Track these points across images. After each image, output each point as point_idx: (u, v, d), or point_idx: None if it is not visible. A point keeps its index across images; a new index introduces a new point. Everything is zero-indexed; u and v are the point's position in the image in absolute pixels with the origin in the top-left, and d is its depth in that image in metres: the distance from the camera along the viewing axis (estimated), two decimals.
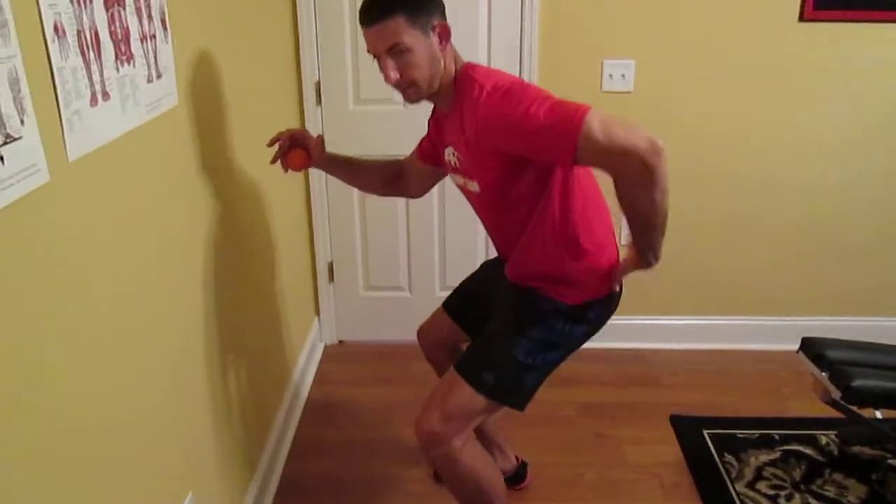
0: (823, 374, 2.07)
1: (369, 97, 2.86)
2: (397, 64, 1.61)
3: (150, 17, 1.43)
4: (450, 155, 1.80)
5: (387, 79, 1.62)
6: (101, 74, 1.24)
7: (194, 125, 1.69)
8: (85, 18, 1.18)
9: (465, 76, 1.66)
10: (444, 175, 2.01)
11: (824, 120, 2.83)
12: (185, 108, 1.62)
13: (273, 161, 1.94)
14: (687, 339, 3.15)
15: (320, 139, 1.96)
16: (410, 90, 1.66)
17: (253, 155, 2.12)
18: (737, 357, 3.12)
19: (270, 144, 1.94)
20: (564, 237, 1.71)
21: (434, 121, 1.92)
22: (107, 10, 1.26)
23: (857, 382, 1.97)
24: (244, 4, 2.15)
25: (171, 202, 1.58)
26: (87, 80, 1.19)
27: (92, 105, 1.21)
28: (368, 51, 1.64)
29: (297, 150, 1.94)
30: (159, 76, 1.48)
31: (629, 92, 2.77)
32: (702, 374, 3.00)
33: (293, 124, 2.82)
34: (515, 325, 1.77)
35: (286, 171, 1.96)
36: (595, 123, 1.38)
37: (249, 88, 2.15)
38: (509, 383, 1.73)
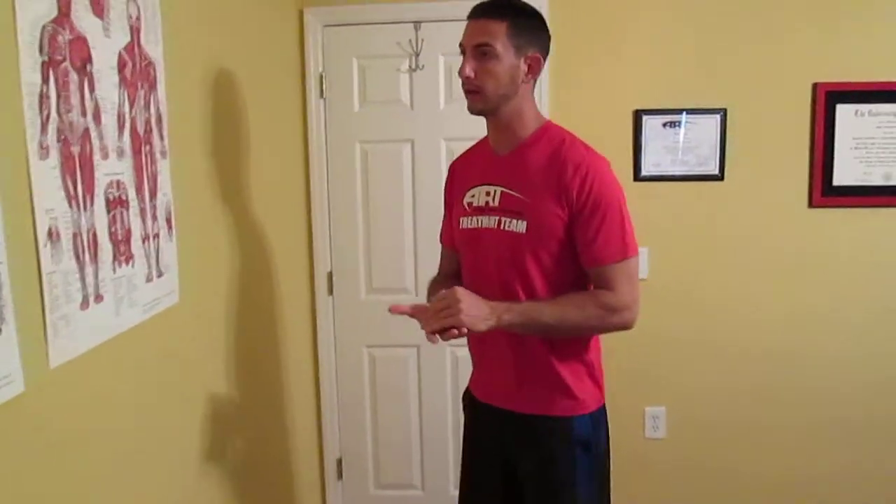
0: None
1: (382, 286, 2.84)
2: (478, 64, 1.57)
3: (154, 217, 1.43)
4: (480, 195, 1.68)
5: (461, 72, 1.59)
6: (96, 277, 1.21)
7: (195, 324, 1.64)
8: (83, 221, 1.17)
9: (556, 129, 1.66)
10: None
11: (839, 302, 2.76)
12: (187, 306, 1.58)
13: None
14: None
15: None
16: (476, 96, 1.60)
17: (259, 354, 2.06)
18: None
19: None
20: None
21: (464, 165, 1.81)
22: (108, 211, 1.25)
23: None
24: (257, 197, 2.18)
25: (165, 404, 1.49)
26: (79, 283, 1.15)
27: (83, 308, 1.16)
28: (460, 44, 1.61)
29: None
30: (160, 275, 1.45)
31: (643, 279, 2.73)
32: None
33: (304, 316, 2.78)
34: (559, 490, 1.63)
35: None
36: (633, 262, 1.59)
37: (259, 281, 2.13)
38: None
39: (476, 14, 1.60)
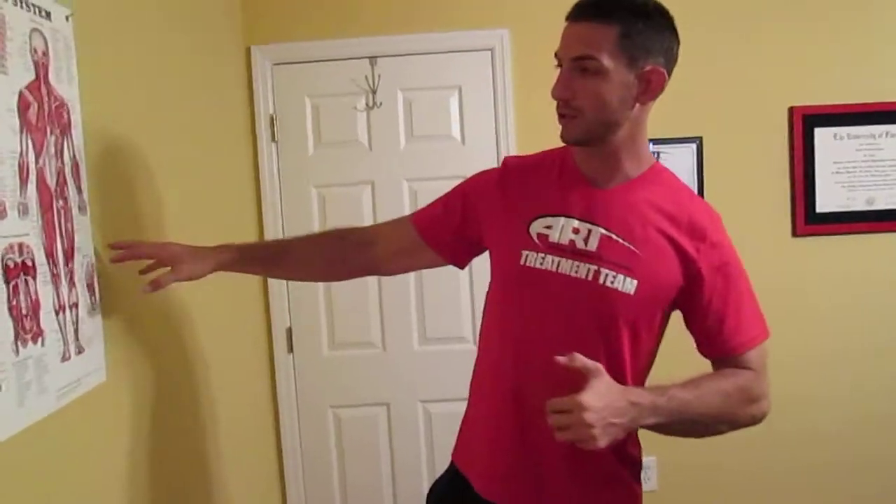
0: None
1: (346, 341, 2.62)
2: (575, 82, 1.22)
3: (71, 283, 1.21)
4: (562, 230, 1.28)
5: (553, 91, 1.25)
6: None
7: (129, 403, 1.41)
8: None
9: (669, 172, 1.34)
10: (426, 265, 1.52)
11: (829, 337, 2.62)
12: (117, 384, 1.35)
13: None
14: None
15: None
16: (573, 122, 1.24)
17: (212, 424, 1.83)
18: None
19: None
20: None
21: (532, 177, 1.38)
22: (7, 282, 1.03)
23: None
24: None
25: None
26: None
27: None
28: (555, 54, 1.26)
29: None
30: (80, 351, 1.23)
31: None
32: None
33: (263, 379, 2.55)
34: None
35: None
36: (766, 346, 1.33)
37: (209, 345, 1.90)
38: None
39: (576, 16, 1.23)
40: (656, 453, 2.62)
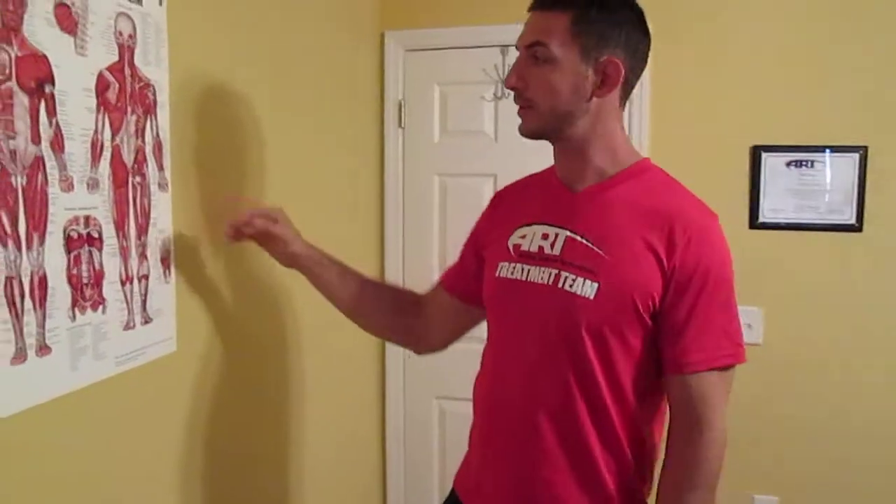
0: None
1: None
2: (527, 71, 1.19)
3: (143, 256, 1.27)
4: (533, 237, 1.24)
5: (506, 80, 1.23)
6: (43, 326, 1.05)
7: (199, 375, 1.47)
8: (25, 263, 1.02)
9: (656, 170, 1.25)
10: (472, 322, 1.47)
11: None
12: (185, 355, 1.41)
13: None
14: None
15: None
16: (527, 113, 1.21)
17: (311, 403, 1.87)
18: None
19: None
20: (641, 455, 1.22)
21: (516, 196, 1.39)
22: (68, 251, 1.10)
23: None
24: (319, 228, 2.01)
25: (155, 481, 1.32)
26: (12, 333, 1.00)
27: (15, 363, 1.01)
28: (516, 45, 1.24)
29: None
30: (146, 321, 1.29)
31: (756, 344, 2.33)
32: None
33: (371, 362, 2.58)
34: None
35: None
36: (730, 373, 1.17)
37: (308, 325, 1.94)
38: None
39: (533, 4, 1.22)
40: (780, 495, 2.36)
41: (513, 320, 1.25)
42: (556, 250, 1.20)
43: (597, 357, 1.15)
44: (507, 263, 1.26)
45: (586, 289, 1.15)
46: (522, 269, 1.23)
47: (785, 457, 2.35)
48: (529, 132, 1.23)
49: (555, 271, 1.19)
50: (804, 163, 2.28)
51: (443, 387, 2.59)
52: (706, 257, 1.14)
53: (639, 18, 1.21)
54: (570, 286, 1.16)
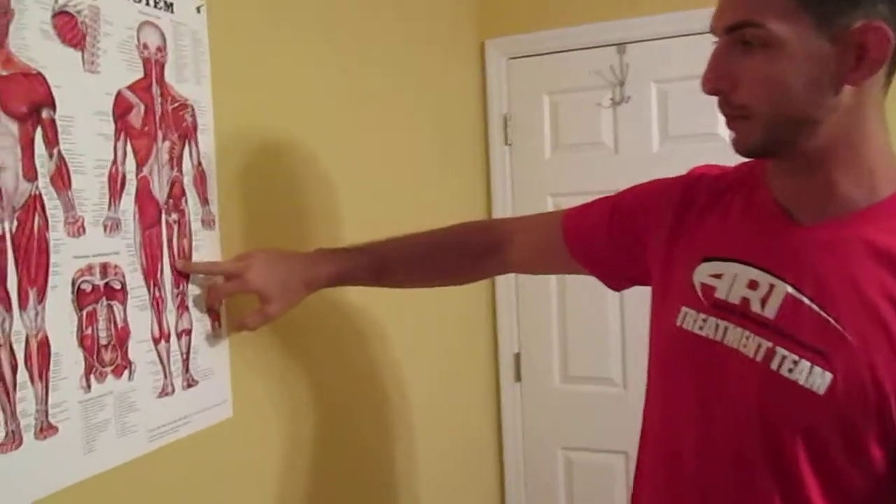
0: None
1: (580, 374, 2.27)
2: (734, 64, 0.82)
3: (182, 307, 1.07)
4: (735, 282, 0.89)
5: (702, 82, 0.85)
6: (45, 401, 0.86)
7: (263, 443, 1.25)
8: (19, 325, 0.83)
9: None
10: (565, 270, 1.22)
11: None
12: (245, 420, 1.20)
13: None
14: None
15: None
16: (741, 124, 0.84)
17: (420, 471, 1.63)
18: None
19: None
20: None
21: (713, 201, 0.97)
22: (79, 309, 0.91)
23: None
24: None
25: None
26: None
27: (4, 449, 0.82)
28: (711, 27, 0.86)
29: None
30: (189, 385, 1.08)
31: None
32: None
33: (486, 407, 2.31)
34: None
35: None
36: None
37: (410, 368, 1.71)
38: None
39: None
40: None
41: (692, 391, 0.91)
42: (770, 312, 0.85)
43: (814, 477, 0.81)
44: (693, 311, 0.92)
45: (814, 379, 0.80)
46: (717, 327, 0.89)
47: None
48: (749, 150, 0.86)
49: (767, 343, 0.84)
50: None
51: (568, 437, 2.28)
52: None
53: None
54: (790, 371, 0.81)
